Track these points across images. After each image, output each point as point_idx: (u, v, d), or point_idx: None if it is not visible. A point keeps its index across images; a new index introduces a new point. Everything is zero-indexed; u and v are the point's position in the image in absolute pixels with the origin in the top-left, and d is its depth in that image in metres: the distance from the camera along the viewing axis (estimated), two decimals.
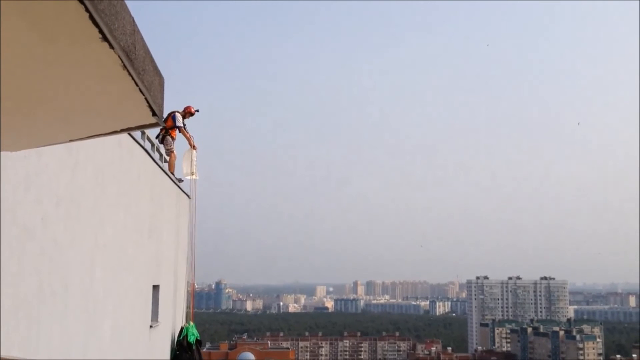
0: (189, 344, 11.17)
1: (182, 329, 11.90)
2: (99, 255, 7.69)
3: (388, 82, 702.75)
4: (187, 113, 13.29)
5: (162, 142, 13.59)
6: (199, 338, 11.80)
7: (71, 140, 3.90)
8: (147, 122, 3.37)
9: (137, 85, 2.70)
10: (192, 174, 14.03)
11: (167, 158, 13.48)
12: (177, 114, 13.08)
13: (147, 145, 11.69)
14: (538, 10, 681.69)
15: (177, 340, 11.82)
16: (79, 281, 6.98)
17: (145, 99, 2.90)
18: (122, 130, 3.67)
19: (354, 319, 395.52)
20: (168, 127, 12.99)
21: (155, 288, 11.05)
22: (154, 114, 3.22)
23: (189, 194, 16.37)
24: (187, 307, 15.63)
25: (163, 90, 3.26)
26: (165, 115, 13.27)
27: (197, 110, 13.84)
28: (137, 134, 10.30)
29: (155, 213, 11.16)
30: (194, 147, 13.57)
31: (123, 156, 9.31)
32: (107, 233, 8.08)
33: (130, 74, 2.57)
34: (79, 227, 7.03)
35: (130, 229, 9.06)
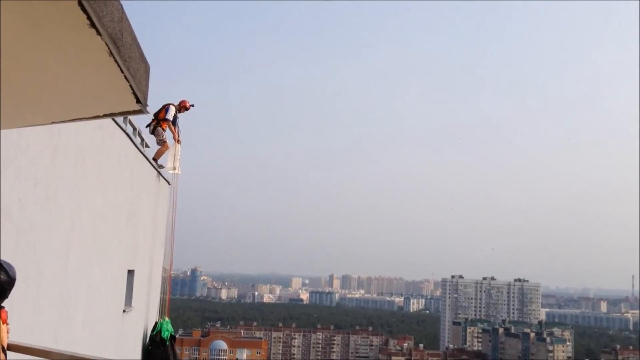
0: (163, 339, 10.95)
1: (156, 323, 11.68)
2: (75, 240, 7.61)
3: (363, 79, 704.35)
4: (182, 107, 13.10)
5: (152, 132, 13.45)
6: (173, 334, 11.55)
7: (53, 123, 3.85)
8: (130, 109, 3.34)
9: (122, 72, 2.70)
10: (174, 168, 13.87)
11: (157, 147, 13.37)
12: (171, 106, 12.90)
13: (129, 130, 11.58)
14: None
15: (150, 335, 11.62)
16: (53, 265, 6.90)
17: (130, 85, 2.91)
18: (105, 116, 3.63)
19: (328, 312, 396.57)
20: (160, 119, 12.82)
21: (130, 273, 10.97)
22: (138, 101, 3.19)
23: (169, 181, 16.27)
24: (163, 294, 15.56)
25: (148, 77, 3.23)
26: (160, 107, 13.06)
27: (192, 105, 13.67)
28: (119, 118, 10.21)
29: (134, 198, 11.07)
30: (178, 141, 13.40)
31: (104, 140, 9.22)
32: (84, 217, 7.99)
33: (116, 61, 2.56)
34: (56, 210, 6.94)
35: (107, 214, 8.98)
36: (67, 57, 2.51)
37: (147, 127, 13.13)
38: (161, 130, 13.19)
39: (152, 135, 13.53)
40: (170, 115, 12.76)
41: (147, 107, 3.40)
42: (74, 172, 7.62)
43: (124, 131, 10.60)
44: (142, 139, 13.92)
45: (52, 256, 6.86)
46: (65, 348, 4.86)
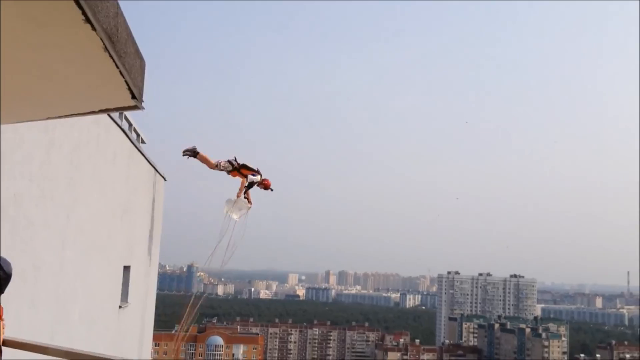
0: None
1: None
2: (71, 236, 7.60)
3: (361, 76, 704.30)
4: (262, 184, 12.17)
5: (229, 169, 12.33)
6: None
7: (48, 118, 3.85)
8: (126, 105, 3.34)
9: (117, 67, 2.70)
10: (240, 212, 12.90)
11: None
12: (258, 175, 11.96)
13: (125, 125, 11.57)
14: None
15: None
16: (49, 261, 6.90)
17: (125, 81, 2.91)
18: (100, 111, 3.63)
19: (324, 308, 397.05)
20: (241, 170, 11.84)
21: (127, 269, 10.97)
22: (133, 96, 3.19)
23: (164, 176, 16.26)
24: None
25: (144, 73, 3.23)
26: (252, 167, 12.01)
27: (272, 190, 12.90)
28: (115, 113, 10.19)
29: (129, 194, 11.07)
30: (246, 198, 12.37)
31: (100, 135, 9.21)
32: (80, 213, 7.98)
33: (111, 56, 2.56)
34: (52, 206, 6.94)
35: (103, 209, 8.97)
36: (62, 52, 2.51)
37: (229, 164, 12.11)
38: (228, 167, 12.06)
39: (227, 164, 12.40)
40: (252, 178, 11.80)
41: (143, 103, 3.40)
42: (69, 167, 7.61)
43: (120, 127, 10.59)
44: (138, 135, 13.90)
45: (48, 252, 6.86)
46: (61, 344, 4.85)
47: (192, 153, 11.33)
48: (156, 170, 14.88)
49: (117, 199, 10.05)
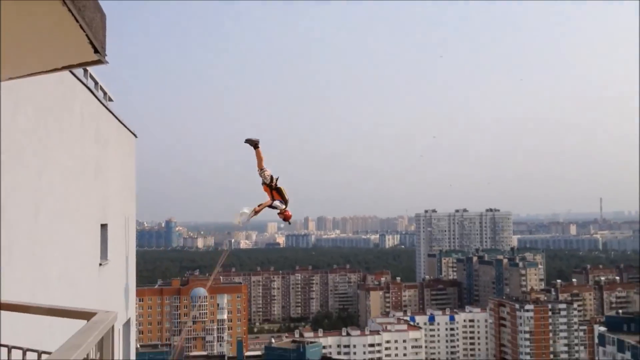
0: None
1: None
2: (43, 197, 7.57)
3: (333, 23, 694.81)
4: (283, 214, 11.97)
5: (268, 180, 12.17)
6: None
7: (10, 79, 3.79)
8: (88, 60, 3.30)
9: (77, 21, 2.64)
10: (240, 217, 12.68)
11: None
12: (283, 204, 11.77)
13: (91, 84, 11.39)
14: None
15: None
16: (23, 223, 6.88)
17: (87, 35, 2.88)
18: (63, 68, 3.58)
19: (305, 254, 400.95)
20: (274, 188, 11.67)
21: (104, 227, 10.97)
22: (96, 50, 3.15)
23: (135, 133, 16.11)
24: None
25: (105, 27, 3.18)
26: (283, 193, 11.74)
27: (290, 223, 12.80)
28: (79, 72, 10.01)
29: (100, 152, 10.98)
30: (256, 209, 12.18)
31: (65, 95, 9.07)
32: (51, 174, 7.93)
33: (70, 10, 2.51)
34: (21, 169, 6.88)
35: (75, 169, 8.91)
36: (19, 8, 2.45)
37: (270, 178, 11.96)
38: (266, 177, 11.93)
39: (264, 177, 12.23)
40: (277, 204, 11.65)
41: (106, 57, 3.36)
42: (37, 129, 7.52)
43: (85, 85, 10.43)
44: (105, 93, 13.71)
45: (21, 214, 6.83)
46: (43, 303, 4.90)
47: (253, 145, 11.38)
48: (126, 127, 14.73)
49: (87, 158, 9.98)
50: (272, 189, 11.51)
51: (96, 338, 3.35)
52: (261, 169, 11.70)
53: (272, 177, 11.52)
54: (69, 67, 3.57)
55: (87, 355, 3.53)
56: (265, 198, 11.82)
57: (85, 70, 11.04)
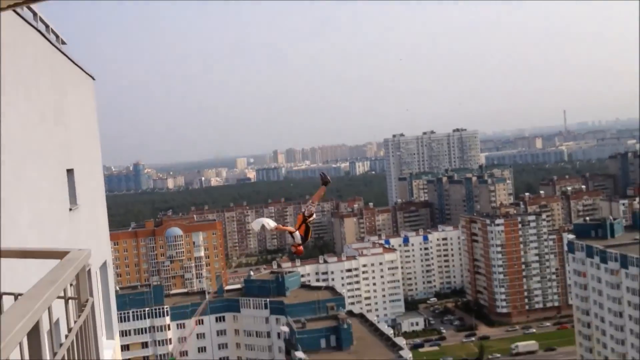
0: None
1: None
2: (5, 146, 7.47)
3: None
4: (296, 248, 12.70)
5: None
6: None
7: None
8: None
9: None
10: (260, 227, 13.40)
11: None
12: (299, 236, 12.47)
13: (41, 27, 11.07)
14: None
15: None
16: None
17: None
18: (9, 7, 3.50)
19: (277, 187, 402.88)
20: (306, 219, 12.44)
21: (70, 172, 10.89)
22: None
23: (92, 76, 15.81)
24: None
25: None
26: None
27: (298, 257, 13.59)
28: (28, 15, 9.72)
29: (58, 97, 10.79)
30: (276, 227, 12.99)
31: (16, 40, 8.83)
32: (8, 122, 7.81)
33: None
34: None
35: (33, 115, 8.78)
36: None
37: (310, 212, 12.68)
38: (310, 212, 12.72)
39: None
40: (297, 237, 12.41)
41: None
42: None
43: (35, 28, 10.14)
44: (57, 36, 13.34)
45: None
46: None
47: (324, 182, 12.19)
48: (82, 70, 14.43)
49: (45, 103, 9.81)
50: (304, 222, 12.13)
51: (71, 275, 3.40)
52: (312, 203, 12.44)
53: (313, 214, 12.14)
54: (15, 5, 3.50)
55: (64, 292, 3.58)
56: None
57: (35, 14, 10.71)
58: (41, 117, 9.26)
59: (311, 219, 12.35)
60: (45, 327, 3.09)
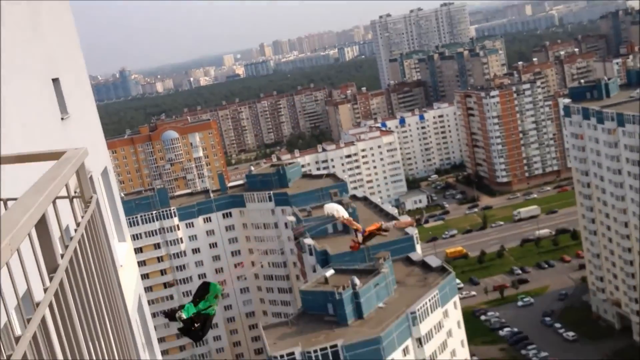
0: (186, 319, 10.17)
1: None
2: None
3: None
4: (356, 244, 12.80)
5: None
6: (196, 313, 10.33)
7: None
8: None
9: None
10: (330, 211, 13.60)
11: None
12: (360, 236, 12.50)
13: None
14: None
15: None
16: None
17: None
18: None
19: (267, 80, 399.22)
20: (382, 230, 12.94)
21: (56, 81, 10.71)
22: None
23: None
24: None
25: None
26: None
27: (352, 250, 13.85)
28: None
29: (34, 9, 10.43)
30: (345, 219, 13.06)
31: None
32: None
33: None
34: None
35: (10, 28, 8.52)
36: None
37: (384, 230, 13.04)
38: (385, 230, 13.07)
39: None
40: (358, 234, 12.72)
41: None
42: None
43: None
44: None
45: None
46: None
47: (420, 221, 12.75)
48: None
49: (17, 13, 9.50)
50: (376, 231, 12.69)
51: (71, 171, 3.39)
52: (394, 225, 13.90)
53: (388, 230, 12.88)
54: None
55: (67, 191, 3.58)
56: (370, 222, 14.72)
57: None
58: (15, 27, 8.99)
59: (383, 233, 13.03)
60: (54, 225, 3.11)
